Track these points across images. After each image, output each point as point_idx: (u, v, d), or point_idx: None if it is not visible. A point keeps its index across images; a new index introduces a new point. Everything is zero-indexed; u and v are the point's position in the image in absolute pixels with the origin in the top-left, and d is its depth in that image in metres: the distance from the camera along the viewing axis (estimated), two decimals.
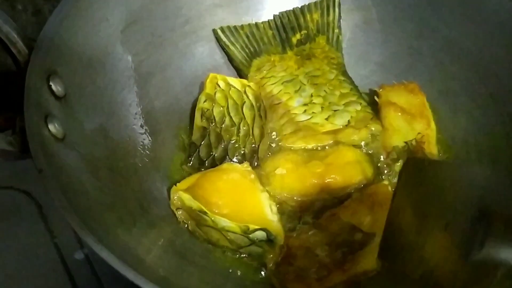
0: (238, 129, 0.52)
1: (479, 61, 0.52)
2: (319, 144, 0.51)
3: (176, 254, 0.42)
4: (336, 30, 0.59)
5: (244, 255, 0.44)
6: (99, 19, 0.47)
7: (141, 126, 0.49)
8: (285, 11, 0.59)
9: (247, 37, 0.58)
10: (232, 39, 0.57)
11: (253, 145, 0.52)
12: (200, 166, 0.50)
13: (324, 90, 0.54)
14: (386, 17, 0.57)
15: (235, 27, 0.58)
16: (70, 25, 0.44)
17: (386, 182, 0.48)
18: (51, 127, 0.38)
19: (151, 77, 0.52)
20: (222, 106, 0.52)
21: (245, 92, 0.54)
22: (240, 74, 0.58)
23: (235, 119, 0.52)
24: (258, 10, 0.59)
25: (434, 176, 0.35)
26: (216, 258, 0.44)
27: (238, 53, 0.58)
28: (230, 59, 0.58)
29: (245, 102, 0.53)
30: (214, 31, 0.57)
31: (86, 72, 0.45)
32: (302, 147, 0.51)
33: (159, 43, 0.53)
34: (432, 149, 0.51)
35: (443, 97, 0.54)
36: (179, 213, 0.45)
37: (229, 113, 0.52)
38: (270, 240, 0.43)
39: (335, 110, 0.53)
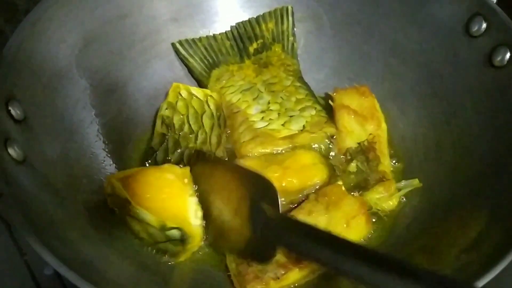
0: (196, 136, 0.53)
1: (424, 62, 0.55)
2: (276, 149, 0.53)
3: (140, 267, 0.43)
4: (291, 38, 0.61)
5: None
6: (57, 41, 0.48)
7: (104, 143, 0.51)
8: (241, 22, 0.61)
9: (205, 48, 0.60)
10: (190, 51, 0.59)
11: (209, 152, 0.53)
12: None
13: (281, 97, 0.57)
14: (337, 23, 0.60)
15: (193, 39, 0.60)
16: (28, 49, 0.45)
17: (340, 183, 0.50)
18: (10, 150, 0.39)
19: (112, 94, 0.54)
20: (183, 114, 0.54)
21: (207, 101, 0.56)
22: (200, 85, 0.60)
23: (194, 127, 0.54)
24: (214, 22, 0.61)
25: (219, 171, 0.45)
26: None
27: (197, 64, 0.60)
28: (190, 71, 0.60)
29: (205, 111, 0.55)
30: (173, 44, 0.59)
31: (45, 94, 0.46)
32: (261, 153, 0.53)
33: (118, 60, 0.55)
34: (383, 148, 0.53)
35: (392, 97, 0.57)
36: (109, 199, 0.46)
37: (188, 121, 0.54)
38: (182, 240, 0.44)
39: (291, 116, 0.55)
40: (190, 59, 0.59)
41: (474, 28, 0.50)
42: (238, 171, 0.46)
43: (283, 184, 0.50)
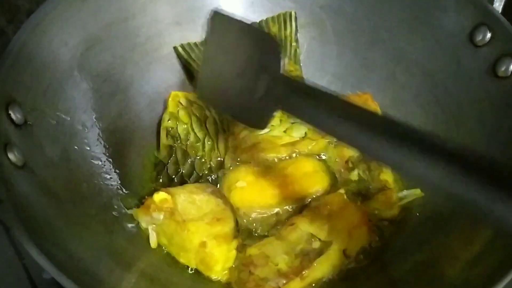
0: (203, 144, 0.54)
1: (427, 71, 0.54)
2: (278, 156, 0.53)
3: (142, 276, 0.43)
4: (294, 44, 0.61)
5: None
6: (58, 44, 0.48)
7: (104, 147, 0.50)
8: None
9: None
10: (192, 55, 0.59)
11: (219, 158, 0.53)
12: (170, 183, 0.52)
13: None
14: (340, 30, 0.60)
15: (195, 43, 0.59)
16: (29, 51, 0.45)
17: (342, 191, 0.50)
18: (10, 155, 0.38)
19: (112, 98, 0.53)
20: (186, 123, 0.54)
21: (207, 107, 0.56)
22: None
23: (200, 135, 0.54)
24: None
25: (232, 32, 0.43)
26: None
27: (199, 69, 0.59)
28: (192, 75, 0.59)
29: (208, 117, 0.55)
30: (175, 48, 0.59)
31: (46, 97, 0.45)
32: (262, 160, 0.52)
33: (120, 63, 0.54)
34: None
35: (395, 106, 0.56)
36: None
37: (193, 130, 0.54)
38: None
39: (292, 123, 0.55)
40: (192, 63, 0.59)
41: (479, 38, 0.50)
42: (249, 30, 0.44)
43: (285, 191, 0.50)
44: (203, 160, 0.53)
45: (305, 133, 0.54)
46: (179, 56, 0.59)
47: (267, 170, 0.51)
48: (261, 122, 0.42)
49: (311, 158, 0.53)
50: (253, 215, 0.50)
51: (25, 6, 0.64)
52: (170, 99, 0.55)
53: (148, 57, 0.57)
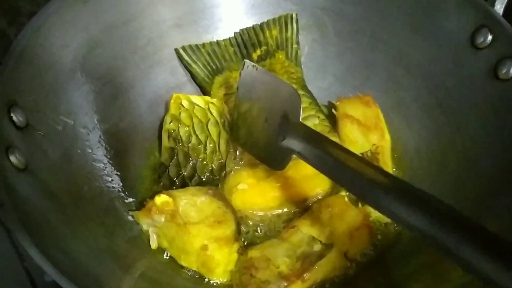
0: (205, 146, 0.53)
1: (428, 73, 0.54)
2: None
3: (143, 279, 0.43)
4: (295, 46, 0.61)
5: None
6: (60, 46, 0.48)
7: (106, 149, 0.50)
8: (245, 28, 0.61)
9: (209, 54, 0.60)
10: (194, 57, 0.59)
11: (221, 161, 0.53)
12: (171, 185, 0.52)
13: None
14: (341, 32, 0.60)
15: (196, 45, 0.60)
16: (30, 54, 0.45)
17: (343, 193, 0.50)
18: (12, 158, 0.38)
19: (114, 100, 0.53)
20: (188, 126, 0.54)
21: (208, 109, 0.56)
22: (203, 91, 0.59)
23: (201, 137, 0.54)
24: (218, 28, 0.61)
25: (261, 83, 0.48)
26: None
27: (200, 71, 0.59)
28: (193, 77, 0.59)
29: (209, 119, 0.55)
30: (176, 50, 0.59)
31: (47, 100, 0.45)
32: None
33: (121, 65, 0.54)
34: (386, 159, 0.53)
35: (396, 108, 0.56)
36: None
37: (195, 132, 0.54)
38: None
39: None
40: (193, 65, 0.59)
41: (480, 40, 0.50)
42: (275, 81, 0.47)
43: (286, 194, 0.50)
44: (205, 162, 0.53)
45: None
46: (180, 58, 0.59)
47: (268, 172, 0.51)
48: (279, 165, 0.46)
49: None
50: (254, 217, 0.50)
51: (26, 8, 0.64)
52: (172, 101, 0.55)
53: (149, 59, 0.57)
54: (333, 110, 0.56)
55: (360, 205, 0.50)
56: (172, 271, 0.46)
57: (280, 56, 0.61)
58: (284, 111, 0.45)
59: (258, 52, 0.61)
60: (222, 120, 0.55)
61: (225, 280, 0.46)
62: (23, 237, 0.34)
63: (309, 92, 0.59)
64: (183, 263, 0.46)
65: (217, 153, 0.53)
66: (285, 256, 0.45)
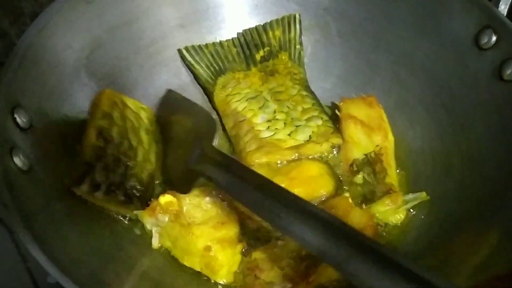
0: (136, 152, 0.49)
1: (432, 73, 0.54)
2: (282, 159, 0.53)
3: (149, 280, 0.43)
4: (298, 46, 0.61)
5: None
6: (63, 47, 0.48)
7: None
8: (248, 29, 0.61)
9: (212, 55, 0.60)
10: (197, 58, 0.59)
11: (150, 172, 0.50)
12: (94, 190, 0.44)
13: (287, 106, 0.56)
14: (344, 32, 0.59)
15: (199, 46, 0.59)
16: (34, 55, 0.44)
17: (347, 195, 0.50)
18: (16, 159, 0.38)
19: None
20: (121, 126, 0.49)
21: (139, 114, 0.53)
22: (206, 92, 0.59)
23: (133, 142, 0.49)
24: (221, 29, 0.61)
25: (180, 108, 0.52)
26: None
27: (203, 71, 0.59)
28: (196, 77, 0.59)
29: (141, 125, 0.52)
30: (179, 51, 0.59)
31: (51, 101, 0.45)
32: (266, 163, 0.52)
33: (124, 66, 0.54)
34: (390, 160, 0.53)
35: (400, 108, 0.56)
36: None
37: (127, 135, 0.49)
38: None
39: (297, 126, 0.54)
40: (196, 66, 0.59)
41: (484, 41, 0.50)
42: (193, 107, 0.51)
43: None
44: (134, 171, 0.48)
45: (310, 136, 0.54)
46: (183, 58, 0.59)
47: (272, 173, 0.51)
48: (183, 187, 0.47)
49: (316, 161, 0.53)
50: (258, 218, 0.49)
51: (28, 8, 0.64)
52: (104, 96, 0.49)
53: (152, 59, 0.57)
54: (336, 111, 0.56)
55: (364, 206, 0.50)
56: (176, 272, 0.46)
57: (283, 57, 0.61)
58: (199, 135, 0.47)
59: (261, 52, 0.61)
60: (152, 128, 0.53)
61: (229, 281, 0.46)
62: (27, 238, 0.33)
63: (312, 93, 0.59)
64: (186, 264, 0.46)
65: (148, 162, 0.50)
66: (289, 257, 0.45)
